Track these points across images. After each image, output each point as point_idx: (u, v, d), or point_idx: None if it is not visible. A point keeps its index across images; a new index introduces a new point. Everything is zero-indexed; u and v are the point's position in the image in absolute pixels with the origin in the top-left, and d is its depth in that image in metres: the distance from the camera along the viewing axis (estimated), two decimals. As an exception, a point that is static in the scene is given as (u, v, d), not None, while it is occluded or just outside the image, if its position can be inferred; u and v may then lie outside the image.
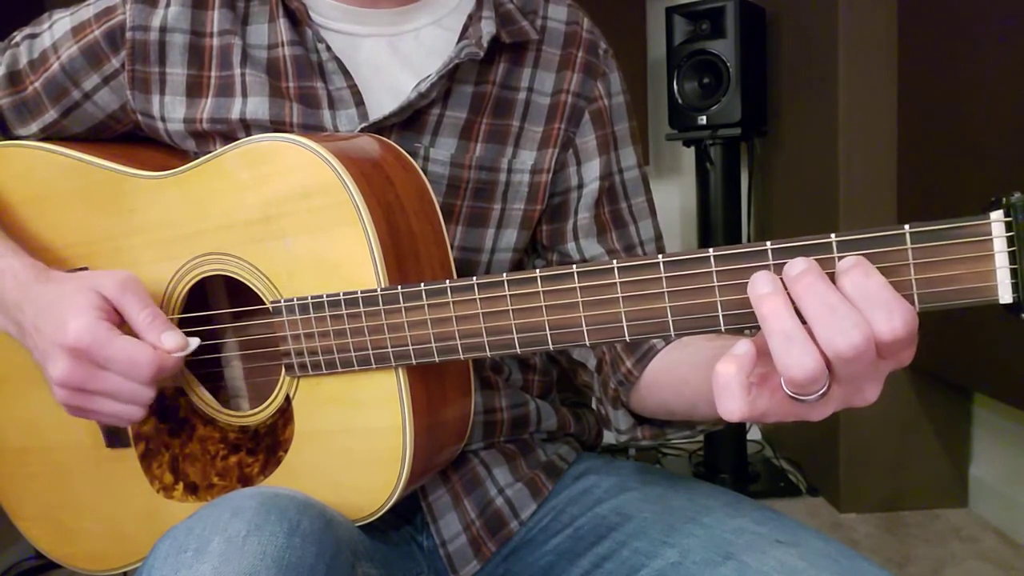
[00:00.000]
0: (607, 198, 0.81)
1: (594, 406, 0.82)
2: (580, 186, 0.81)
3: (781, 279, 0.47)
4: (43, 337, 0.65)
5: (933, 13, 1.75)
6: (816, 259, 0.47)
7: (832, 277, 0.46)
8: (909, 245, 0.45)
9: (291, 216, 0.64)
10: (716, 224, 2.20)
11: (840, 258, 0.46)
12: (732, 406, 0.47)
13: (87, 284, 0.66)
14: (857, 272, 0.45)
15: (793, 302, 0.46)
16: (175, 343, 0.65)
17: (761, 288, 0.47)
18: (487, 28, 0.75)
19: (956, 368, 1.77)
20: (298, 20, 0.75)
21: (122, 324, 0.66)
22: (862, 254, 0.46)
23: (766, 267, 0.48)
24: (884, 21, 1.91)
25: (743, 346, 0.48)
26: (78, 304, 0.64)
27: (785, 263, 0.47)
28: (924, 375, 1.98)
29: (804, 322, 0.46)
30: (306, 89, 0.75)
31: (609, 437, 0.94)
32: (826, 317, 0.45)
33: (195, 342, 0.67)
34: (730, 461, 2.27)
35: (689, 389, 0.65)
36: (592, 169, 0.80)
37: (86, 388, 0.64)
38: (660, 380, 0.71)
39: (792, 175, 2.29)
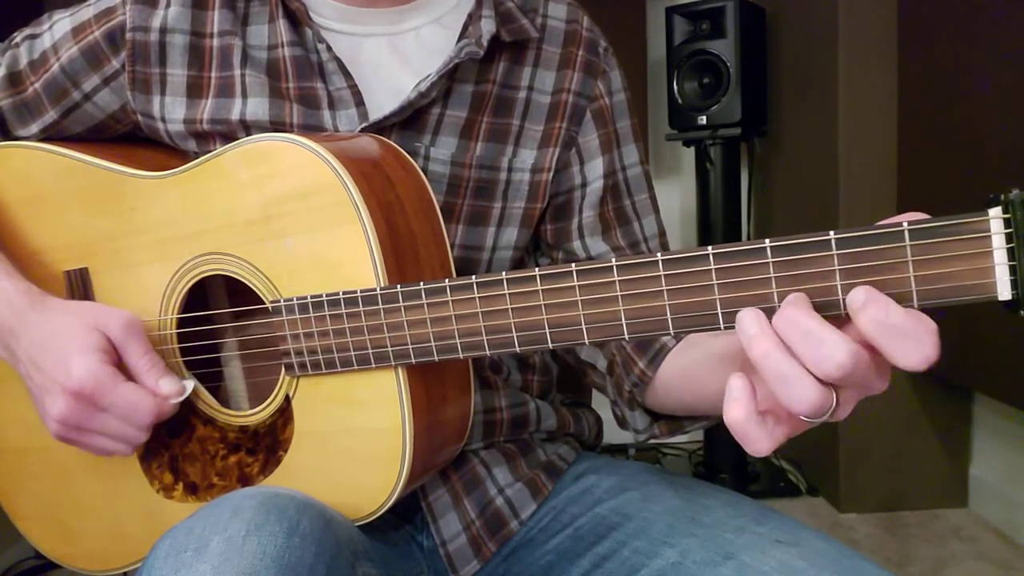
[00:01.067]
0: (611, 196, 0.81)
1: (610, 408, 0.81)
2: (584, 185, 0.81)
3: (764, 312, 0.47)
4: (42, 373, 0.66)
5: (933, 13, 1.76)
6: (813, 255, 0.47)
7: (828, 288, 0.46)
8: (908, 242, 0.45)
9: (291, 216, 0.64)
10: (716, 224, 2.20)
11: (843, 285, 0.46)
12: (758, 447, 0.48)
13: (90, 322, 0.66)
14: (874, 308, 0.44)
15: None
16: (172, 389, 0.67)
17: (749, 329, 0.47)
18: (487, 27, 0.75)
19: (956, 368, 1.77)
20: (298, 20, 0.75)
21: (119, 363, 0.66)
22: (862, 251, 0.46)
23: (764, 267, 0.48)
24: (884, 21, 1.91)
25: (737, 387, 0.47)
26: (81, 344, 0.64)
27: (784, 260, 0.47)
28: (924, 375, 1.97)
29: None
30: (306, 89, 0.75)
31: (609, 437, 0.94)
32: (806, 345, 0.45)
33: (190, 385, 0.69)
34: (730, 461, 2.27)
35: (708, 391, 0.65)
36: (595, 168, 0.81)
37: (82, 427, 0.66)
38: (678, 383, 0.70)
39: (792, 175, 2.29)
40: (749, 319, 0.47)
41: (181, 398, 0.67)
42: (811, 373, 0.45)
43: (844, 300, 0.46)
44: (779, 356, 0.45)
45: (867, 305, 0.44)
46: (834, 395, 0.46)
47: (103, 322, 0.66)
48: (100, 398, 0.64)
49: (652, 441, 0.78)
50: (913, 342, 0.44)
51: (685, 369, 0.69)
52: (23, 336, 0.68)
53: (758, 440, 0.47)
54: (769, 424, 0.48)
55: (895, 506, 2.05)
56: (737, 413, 0.47)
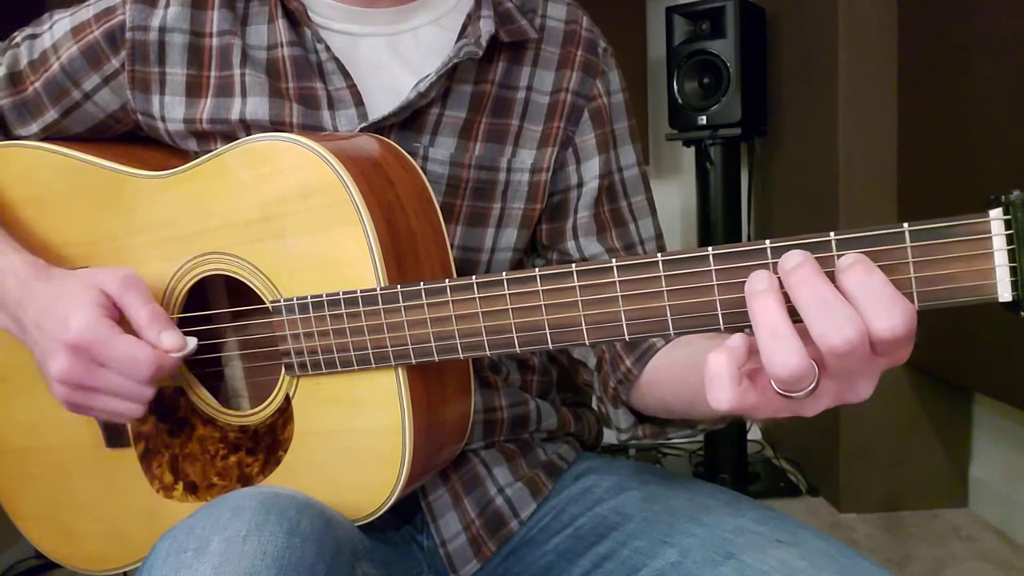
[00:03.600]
0: (606, 197, 0.81)
1: (595, 405, 0.82)
2: (579, 185, 0.81)
3: (779, 278, 0.47)
4: (44, 334, 0.66)
5: (933, 12, 1.76)
6: (816, 256, 0.47)
7: (832, 276, 0.46)
8: (908, 243, 0.45)
9: (291, 216, 0.64)
10: (716, 224, 2.20)
11: (840, 256, 0.46)
12: (721, 395, 0.47)
13: (89, 281, 0.66)
14: (859, 269, 0.45)
15: (787, 295, 0.46)
16: (174, 343, 0.65)
17: (756, 285, 0.47)
18: (486, 27, 0.75)
19: (956, 368, 1.77)
20: (297, 20, 0.75)
21: (122, 321, 0.66)
22: (862, 252, 0.46)
23: (765, 266, 0.48)
24: (884, 21, 1.91)
25: (737, 339, 0.48)
26: (80, 301, 0.64)
27: (783, 258, 0.47)
28: (924, 375, 1.97)
29: (798, 320, 0.46)
30: (305, 89, 0.75)
31: (609, 437, 0.94)
32: (820, 311, 0.45)
33: (193, 342, 0.67)
34: (730, 461, 2.27)
35: (687, 388, 0.65)
36: (591, 168, 0.80)
37: (85, 385, 0.65)
38: (659, 379, 0.71)
39: (792, 175, 2.29)
40: (761, 276, 0.47)
41: (183, 354, 0.66)
42: (811, 341, 0.45)
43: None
44: (778, 311, 0.46)
45: (854, 265, 0.45)
46: (816, 372, 0.46)
47: (100, 279, 0.66)
48: (98, 351, 0.63)
49: (651, 441, 0.78)
50: (885, 310, 0.44)
51: (669, 366, 0.69)
52: (29, 306, 0.68)
53: (723, 390, 0.47)
54: (743, 383, 0.48)
55: (895, 506, 2.05)
56: (720, 358, 0.47)
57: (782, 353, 0.45)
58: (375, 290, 0.61)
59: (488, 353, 0.58)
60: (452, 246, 0.74)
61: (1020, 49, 1.44)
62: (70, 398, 0.66)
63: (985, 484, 2.01)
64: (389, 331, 0.61)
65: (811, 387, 0.46)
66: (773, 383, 0.47)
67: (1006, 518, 1.92)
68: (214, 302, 0.75)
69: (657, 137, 2.49)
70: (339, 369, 0.64)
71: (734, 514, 0.68)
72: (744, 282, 0.48)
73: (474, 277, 0.57)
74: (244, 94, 0.74)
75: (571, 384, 0.90)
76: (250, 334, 0.73)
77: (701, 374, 0.60)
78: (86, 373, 0.64)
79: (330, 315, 0.63)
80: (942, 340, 1.60)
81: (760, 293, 0.46)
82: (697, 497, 0.72)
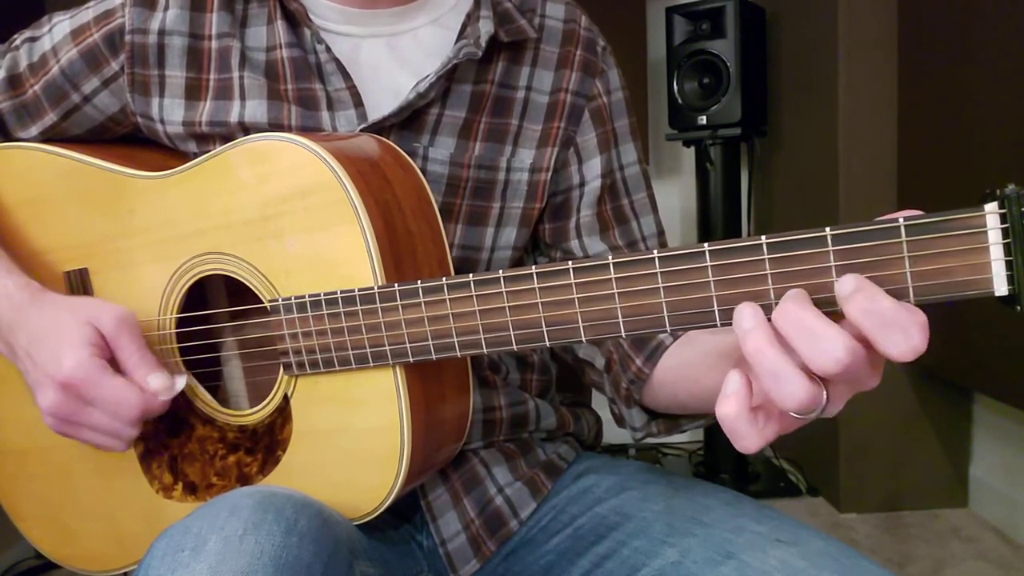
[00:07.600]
0: (609, 195, 0.81)
1: (608, 406, 0.81)
2: (582, 184, 0.81)
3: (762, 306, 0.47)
4: (36, 366, 0.67)
5: (933, 13, 1.76)
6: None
7: (826, 288, 0.46)
8: (904, 238, 0.45)
9: (289, 215, 0.64)
10: (716, 224, 2.20)
11: (836, 281, 0.46)
12: (747, 443, 0.48)
13: (84, 317, 0.67)
14: (862, 297, 0.44)
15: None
16: (161, 384, 0.66)
17: (744, 323, 0.47)
18: (485, 27, 0.76)
19: (956, 368, 1.77)
20: (296, 22, 0.75)
21: (113, 359, 0.67)
22: (858, 247, 0.46)
23: (761, 263, 0.48)
24: (884, 21, 1.92)
25: (734, 382, 0.48)
26: (73, 339, 0.65)
27: (780, 257, 0.47)
28: (924, 375, 1.97)
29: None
30: (304, 91, 0.75)
31: (609, 436, 0.94)
32: (807, 342, 0.44)
33: (181, 381, 0.68)
34: (730, 461, 2.27)
35: (700, 387, 0.65)
36: (593, 167, 0.81)
37: (72, 420, 0.66)
38: (673, 379, 0.70)
39: (792, 175, 2.29)
40: (746, 313, 0.47)
41: (171, 395, 0.67)
42: (805, 369, 0.45)
43: None
44: (772, 352, 0.45)
45: (855, 294, 0.44)
46: (824, 393, 0.46)
47: (96, 316, 0.67)
48: (87, 391, 0.64)
49: (652, 441, 0.78)
50: (901, 332, 0.43)
51: (680, 366, 0.69)
52: (21, 332, 0.68)
53: (747, 437, 0.47)
54: (760, 421, 0.48)
55: (895, 506, 2.05)
56: (729, 408, 0.47)
57: (788, 391, 0.45)
58: (372, 289, 0.61)
59: (485, 351, 0.58)
60: (452, 245, 0.74)
61: (1020, 48, 1.44)
62: (58, 428, 0.68)
63: (985, 484, 2.01)
64: (386, 330, 0.61)
65: (823, 406, 0.46)
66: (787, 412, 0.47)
67: (1006, 518, 1.92)
68: (213, 302, 0.75)
69: (657, 137, 2.49)
70: (337, 368, 0.63)
71: (734, 513, 0.68)
72: (741, 278, 0.48)
73: (471, 275, 0.57)
74: (243, 97, 0.74)
75: (570, 384, 0.90)
76: (249, 334, 0.74)
77: (712, 371, 0.60)
78: (74, 410, 0.66)
79: (328, 314, 0.63)
80: (942, 340, 1.59)
81: (750, 332, 0.46)
82: (697, 497, 0.72)
